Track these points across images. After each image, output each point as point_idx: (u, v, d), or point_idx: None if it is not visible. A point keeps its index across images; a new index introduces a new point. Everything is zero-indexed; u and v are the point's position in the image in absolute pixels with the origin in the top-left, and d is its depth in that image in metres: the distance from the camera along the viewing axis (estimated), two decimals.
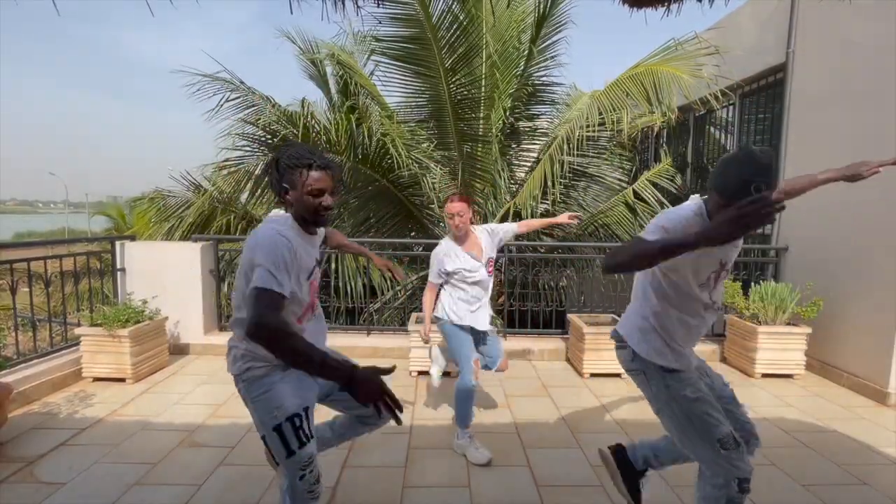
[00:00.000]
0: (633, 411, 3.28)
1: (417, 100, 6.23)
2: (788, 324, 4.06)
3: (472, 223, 2.85)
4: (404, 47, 5.57)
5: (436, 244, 2.94)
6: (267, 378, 1.59)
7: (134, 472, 2.44)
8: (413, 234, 6.80)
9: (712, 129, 6.60)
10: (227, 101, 5.84)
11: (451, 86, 5.62)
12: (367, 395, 1.30)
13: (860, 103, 3.88)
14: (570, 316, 4.46)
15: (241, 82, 6.00)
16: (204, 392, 3.55)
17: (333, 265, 5.29)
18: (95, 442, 2.76)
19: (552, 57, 6.23)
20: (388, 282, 5.80)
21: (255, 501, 2.24)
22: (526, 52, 6.10)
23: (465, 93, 5.83)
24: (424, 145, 6.17)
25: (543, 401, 3.51)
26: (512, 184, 6.83)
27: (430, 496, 2.32)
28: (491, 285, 2.91)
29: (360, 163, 6.08)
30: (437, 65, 5.44)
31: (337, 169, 1.62)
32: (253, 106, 6.03)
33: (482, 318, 2.83)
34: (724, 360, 4.45)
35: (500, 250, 5.05)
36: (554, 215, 6.78)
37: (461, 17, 5.25)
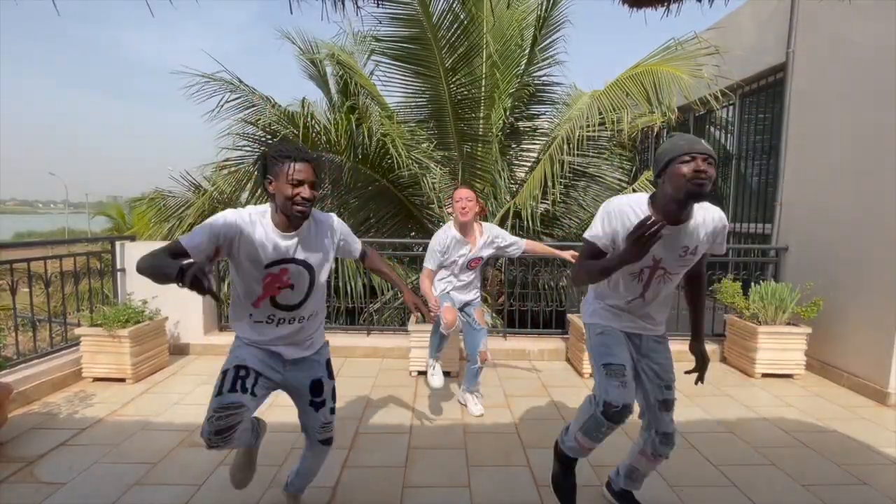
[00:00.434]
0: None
1: (417, 100, 6.23)
2: (788, 324, 4.06)
3: (478, 219, 3.03)
4: (404, 47, 5.57)
5: None
6: (239, 345, 1.83)
7: (134, 472, 2.44)
8: (413, 234, 6.79)
9: (712, 129, 6.59)
10: (226, 101, 5.83)
11: (452, 86, 5.62)
12: (191, 283, 1.38)
13: (860, 103, 3.88)
14: (570, 316, 4.46)
15: (241, 82, 6.00)
16: (204, 392, 3.54)
17: (333, 265, 5.28)
18: (95, 442, 2.76)
19: (552, 56, 6.24)
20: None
21: (256, 501, 2.24)
22: (526, 51, 6.10)
23: (466, 93, 5.83)
24: (424, 145, 6.17)
25: (543, 401, 3.51)
26: (512, 184, 6.83)
27: (430, 496, 2.32)
28: (469, 277, 3.09)
29: (360, 163, 6.07)
30: (437, 65, 5.45)
31: (319, 164, 1.73)
32: (253, 106, 6.02)
33: (464, 296, 3.11)
34: (724, 360, 4.45)
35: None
36: (556, 217, 6.83)
37: (462, 17, 5.25)
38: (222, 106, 5.80)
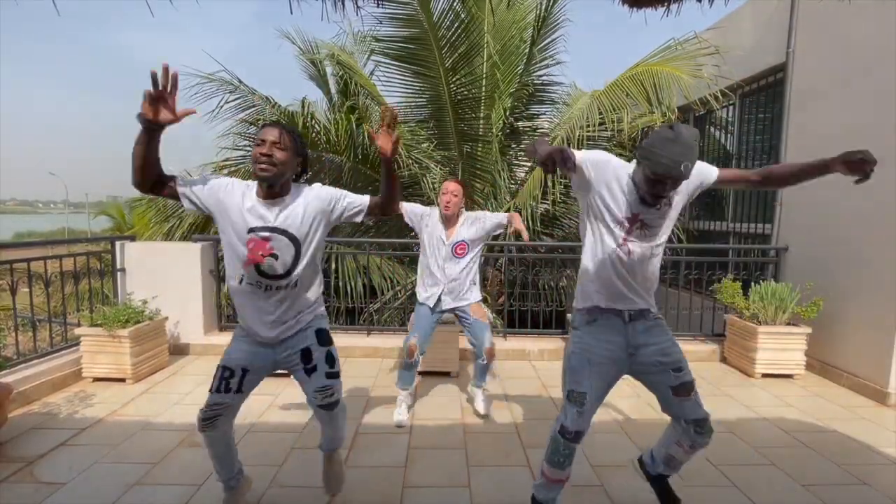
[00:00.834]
0: (634, 411, 3.28)
1: (417, 100, 6.23)
2: (788, 324, 4.06)
3: (462, 211, 3.10)
4: (404, 47, 5.57)
5: None
6: (234, 337, 2.00)
7: (134, 472, 2.44)
8: (413, 234, 6.79)
9: (712, 129, 6.59)
10: (226, 102, 5.84)
11: (452, 85, 5.63)
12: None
13: (860, 103, 3.88)
14: (570, 316, 4.45)
15: (241, 82, 6.01)
16: (204, 392, 3.50)
17: (333, 265, 5.29)
18: (95, 442, 2.76)
19: (552, 56, 6.24)
20: (388, 281, 5.80)
21: (256, 501, 2.24)
22: (526, 51, 6.10)
23: (466, 92, 5.83)
24: (424, 145, 6.18)
25: (543, 401, 3.51)
26: (512, 184, 6.83)
27: (430, 496, 2.32)
28: (459, 273, 3.06)
29: (360, 163, 6.08)
30: (437, 64, 5.45)
31: (292, 132, 1.79)
32: (253, 106, 6.03)
33: (442, 300, 3.07)
34: (723, 360, 4.45)
35: (500, 250, 5.09)
36: (556, 217, 6.82)
37: (462, 16, 5.26)
38: (222, 106, 5.81)
